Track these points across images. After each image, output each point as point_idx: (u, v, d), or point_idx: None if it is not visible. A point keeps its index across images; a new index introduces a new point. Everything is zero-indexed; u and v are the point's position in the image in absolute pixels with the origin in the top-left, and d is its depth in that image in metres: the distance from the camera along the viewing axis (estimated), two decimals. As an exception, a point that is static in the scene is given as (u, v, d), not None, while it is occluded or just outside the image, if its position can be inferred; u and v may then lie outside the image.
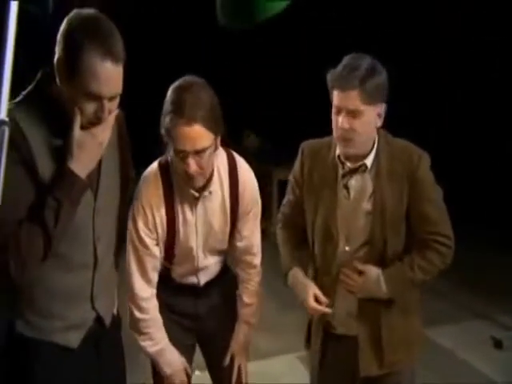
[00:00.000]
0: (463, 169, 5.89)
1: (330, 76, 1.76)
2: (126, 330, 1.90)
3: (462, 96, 6.17)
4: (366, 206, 1.84)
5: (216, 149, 1.75)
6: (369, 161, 1.83)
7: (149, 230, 1.80)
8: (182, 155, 1.68)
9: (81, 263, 1.59)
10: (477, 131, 6.02)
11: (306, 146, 2.00)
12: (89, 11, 1.41)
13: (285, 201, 2.09)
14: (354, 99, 1.71)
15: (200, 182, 1.77)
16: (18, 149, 1.39)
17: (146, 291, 1.88)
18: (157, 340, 1.93)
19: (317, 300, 1.88)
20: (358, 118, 1.73)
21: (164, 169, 1.83)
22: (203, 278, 1.99)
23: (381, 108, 1.78)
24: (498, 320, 4.04)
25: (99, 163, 1.55)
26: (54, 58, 1.42)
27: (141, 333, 1.91)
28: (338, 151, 1.86)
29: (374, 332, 1.88)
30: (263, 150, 5.94)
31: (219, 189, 1.86)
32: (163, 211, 1.81)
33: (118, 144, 1.69)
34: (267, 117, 5.95)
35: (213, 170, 1.81)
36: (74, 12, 1.41)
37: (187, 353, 2.06)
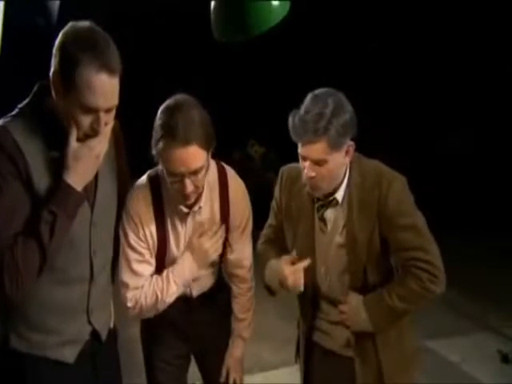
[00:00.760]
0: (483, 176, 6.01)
1: (292, 128, 1.66)
2: (124, 343, 1.87)
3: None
4: (339, 238, 1.78)
5: (208, 164, 1.73)
6: (339, 194, 1.76)
7: (140, 239, 1.78)
8: (178, 177, 1.66)
9: (77, 277, 1.57)
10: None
11: (285, 171, 1.94)
12: (84, 24, 1.40)
13: (267, 224, 2.05)
14: (318, 151, 1.63)
15: (193, 199, 1.75)
16: (14, 162, 1.39)
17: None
18: (163, 284, 1.81)
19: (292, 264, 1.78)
20: (324, 165, 1.66)
21: (154, 182, 1.81)
22: (196, 290, 1.97)
23: (348, 146, 1.70)
24: (505, 333, 3.99)
25: (96, 176, 1.53)
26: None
27: (156, 302, 1.81)
28: None
29: (373, 359, 1.83)
30: (267, 158, 5.94)
31: (209, 202, 1.84)
32: (153, 225, 1.79)
33: (115, 156, 1.67)
34: (271, 126, 5.96)
35: (203, 185, 1.78)
36: (69, 25, 1.40)
37: (180, 363, 2.04)
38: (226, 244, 1.91)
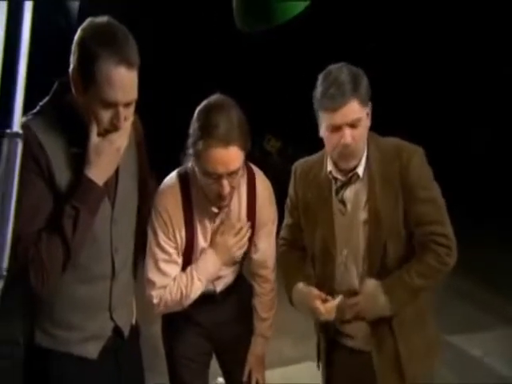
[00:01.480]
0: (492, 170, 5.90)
1: (320, 100, 1.69)
2: (147, 339, 1.87)
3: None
4: (362, 214, 1.78)
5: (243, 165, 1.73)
6: (360, 169, 1.77)
7: (169, 239, 1.77)
8: (215, 178, 1.65)
9: (99, 274, 1.57)
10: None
11: (298, 166, 1.95)
12: (102, 19, 1.40)
13: (284, 224, 2.04)
14: (354, 110, 1.67)
15: (228, 201, 1.74)
16: (36, 159, 1.40)
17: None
18: (187, 280, 1.80)
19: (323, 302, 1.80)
20: (357, 126, 1.69)
21: (183, 181, 1.80)
22: (219, 286, 1.96)
23: (369, 107, 1.76)
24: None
25: (116, 172, 1.53)
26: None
27: (181, 298, 1.80)
28: (329, 167, 1.81)
29: (391, 348, 1.81)
30: (284, 153, 5.92)
31: (237, 203, 1.83)
32: (182, 223, 1.78)
33: (136, 152, 1.67)
34: (288, 120, 5.94)
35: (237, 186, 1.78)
36: (88, 20, 1.40)
37: (203, 360, 2.05)
38: (250, 244, 1.90)
